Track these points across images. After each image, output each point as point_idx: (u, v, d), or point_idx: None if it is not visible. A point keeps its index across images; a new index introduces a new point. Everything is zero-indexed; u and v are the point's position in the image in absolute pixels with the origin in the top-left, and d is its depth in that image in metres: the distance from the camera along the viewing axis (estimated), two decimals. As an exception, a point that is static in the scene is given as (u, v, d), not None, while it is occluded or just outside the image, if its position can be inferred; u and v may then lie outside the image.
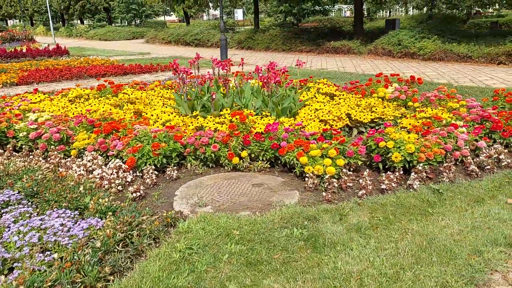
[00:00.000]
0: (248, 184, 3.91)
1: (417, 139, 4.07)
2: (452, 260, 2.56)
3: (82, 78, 11.09)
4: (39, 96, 6.11)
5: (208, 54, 18.38)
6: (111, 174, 3.95)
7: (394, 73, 7.20)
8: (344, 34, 18.68)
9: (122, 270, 2.55)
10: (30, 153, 4.63)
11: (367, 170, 3.93)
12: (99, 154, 4.46)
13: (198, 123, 4.86)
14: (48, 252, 2.61)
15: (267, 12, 40.26)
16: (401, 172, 3.86)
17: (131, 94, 5.90)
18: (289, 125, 4.83)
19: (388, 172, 3.87)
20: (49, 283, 2.29)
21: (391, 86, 6.34)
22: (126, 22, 42.46)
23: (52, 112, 5.47)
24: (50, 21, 29.26)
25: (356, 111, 5.36)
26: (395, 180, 3.75)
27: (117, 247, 2.69)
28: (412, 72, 11.07)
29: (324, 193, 3.57)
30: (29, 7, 44.68)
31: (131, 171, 4.08)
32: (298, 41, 18.73)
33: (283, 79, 7.01)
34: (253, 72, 6.06)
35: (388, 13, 41.94)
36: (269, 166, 4.33)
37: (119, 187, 3.80)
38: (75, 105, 5.66)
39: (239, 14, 50.56)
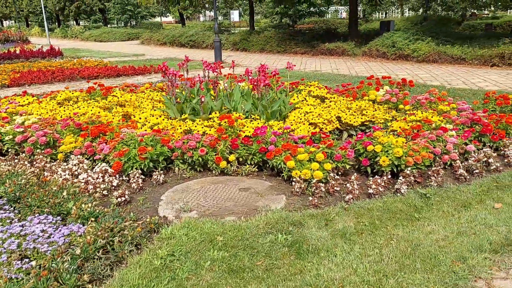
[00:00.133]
0: (235, 189, 3.87)
1: (405, 143, 4.05)
2: (436, 267, 2.54)
3: (75, 80, 11.02)
4: (27, 99, 6.06)
5: (202, 56, 18.35)
6: (97, 178, 3.91)
7: (387, 76, 7.20)
8: (339, 35, 18.69)
9: (102, 278, 2.51)
10: (16, 157, 4.58)
11: (355, 174, 3.91)
12: (86, 158, 4.42)
13: (186, 126, 4.82)
14: (27, 260, 2.57)
15: (263, 14, 40.26)
16: (389, 176, 3.83)
17: (121, 96, 5.86)
18: (278, 129, 4.80)
19: (376, 176, 3.85)
20: (25, 292, 2.25)
21: (382, 88, 6.32)
22: (123, 23, 42.34)
23: (40, 115, 5.42)
24: (45, 22, 29.12)
25: (346, 114, 5.33)
26: (382, 184, 3.73)
27: (97, 254, 2.65)
28: (405, 74, 11.07)
29: (310, 198, 3.54)
30: (24, 8, 44.49)
31: (117, 175, 4.04)
32: (293, 42, 18.72)
33: (275, 81, 6.98)
34: (243, 74, 6.03)
35: (384, 15, 42.01)
36: (257, 170, 4.30)
37: (104, 192, 3.75)
38: (64, 107, 5.61)
39: (235, 15, 50.49)
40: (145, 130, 4.65)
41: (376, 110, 5.56)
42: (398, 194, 3.61)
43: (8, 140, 4.67)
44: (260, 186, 3.95)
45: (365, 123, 5.36)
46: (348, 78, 10.56)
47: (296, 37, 19.43)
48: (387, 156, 3.85)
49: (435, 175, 3.84)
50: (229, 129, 4.60)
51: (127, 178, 4.05)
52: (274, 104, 5.33)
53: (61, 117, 5.26)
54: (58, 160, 4.38)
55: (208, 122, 4.90)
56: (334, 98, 6.12)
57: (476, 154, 4.32)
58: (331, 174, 3.81)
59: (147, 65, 12.95)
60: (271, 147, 4.19)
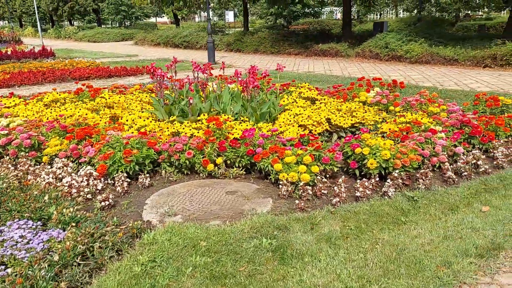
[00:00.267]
0: (221, 192, 3.82)
1: (393, 145, 4.01)
2: (420, 272, 2.50)
3: (66, 81, 10.93)
4: (13, 100, 5.97)
5: (196, 56, 18.30)
6: (81, 182, 3.85)
7: (380, 77, 7.18)
8: (333, 36, 18.69)
9: (80, 285, 2.45)
10: (0, 160, 4.50)
11: (343, 176, 3.87)
12: (72, 161, 4.36)
13: (174, 128, 4.77)
14: (3, 267, 2.50)
15: (258, 15, 40.20)
16: (377, 179, 3.80)
17: (109, 98, 5.79)
18: (267, 131, 4.75)
19: (364, 179, 3.81)
20: (-1, 301, 2.19)
21: (373, 90, 6.30)
22: (117, 24, 42.14)
23: (26, 117, 5.35)
24: (38, 23, 28.91)
25: (336, 115, 5.30)
26: (370, 187, 3.69)
27: (76, 261, 2.59)
28: (398, 75, 11.07)
29: (297, 201, 3.50)
30: (17, 8, 44.18)
31: (102, 179, 3.98)
32: (286, 43, 18.70)
33: (265, 83, 6.94)
34: (233, 75, 5.98)
35: (378, 16, 42.10)
36: (244, 173, 4.25)
37: (89, 196, 3.69)
38: (51, 109, 5.54)
39: (230, 16, 50.45)
40: (132, 133, 4.59)
41: (366, 112, 5.53)
42: (386, 197, 3.58)
43: (-8, 142, 4.58)
44: (248, 189, 3.90)
45: (355, 125, 5.33)
46: (341, 79, 10.54)
47: (290, 38, 19.41)
48: (374, 159, 3.82)
49: (423, 177, 3.81)
50: (217, 131, 4.55)
51: (113, 182, 3.99)
52: (263, 106, 5.29)
53: (47, 119, 5.19)
54: (42, 163, 4.31)
55: (196, 124, 4.85)
56: (324, 99, 6.08)
57: (465, 156, 4.30)
58: (318, 177, 3.77)
59: (140, 66, 12.87)
60: (258, 149, 4.15)
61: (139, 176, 4.00)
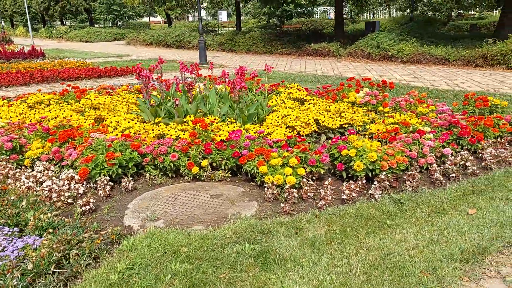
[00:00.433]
0: (206, 195, 3.75)
1: (380, 147, 3.96)
2: (404, 278, 2.45)
3: (54, 81, 10.79)
4: (-4, 102, 5.86)
5: (188, 56, 18.20)
6: (63, 185, 3.76)
7: (371, 77, 7.14)
8: (325, 36, 18.66)
9: (54, 294, 2.37)
10: (-19, 163, 4.39)
11: (330, 179, 3.81)
12: (54, 164, 4.26)
13: (159, 130, 4.69)
14: (-26, 276, 2.41)
15: (252, 14, 40.11)
16: (364, 181, 3.74)
17: (94, 99, 5.69)
18: (255, 132, 4.69)
19: (351, 181, 3.76)
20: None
21: (362, 90, 6.25)
22: (110, 23, 41.85)
23: (9, 118, 5.24)
24: (29, 22, 28.63)
25: (324, 116, 5.24)
26: (357, 189, 3.64)
27: (51, 269, 2.51)
28: (389, 75, 11.05)
29: (282, 204, 3.43)
30: (8, 8, 43.77)
31: (84, 183, 3.89)
32: (279, 43, 18.64)
33: (255, 83, 6.88)
34: (221, 76, 5.91)
35: (372, 15, 42.16)
36: (230, 175, 4.19)
37: (69, 200, 3.60)
38: (34, 111, 5.43)
39: (223, 15, 50.30)
40: (116, 135, 4.50)
41: (355, 113, 5.48)
42: (372, 200, 3.52)
43: (-28, 145, 4.47)
44: (233, 192, 3.83)
45: (344, 125, 5.28)
46: (332, 79, 10.50)
47: (282, 37, 19.36)
48: (361, 161, 3.77)
49: (411, 179, 3.76)
50: (203, 133, 4.47)
51: (95, 185, 3.90)
52: (251, 107, 5.22)
53: (30, 121, 5.08)
54: (23, 167, 4.22)
55: (182, 126, 4.77)
56: (313, 100, 6.03)
57: (453, 157, 4.26)
58: (304, 180, 3.71)
59: (130, 66, 12.74)
60: (244, 151, 4.08)
61: (122, 180, 3.92)
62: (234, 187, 3.96)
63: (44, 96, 6.01)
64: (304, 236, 2.97)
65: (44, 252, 2.55)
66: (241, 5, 26.69)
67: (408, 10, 30.31)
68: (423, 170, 4.13)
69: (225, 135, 4.51)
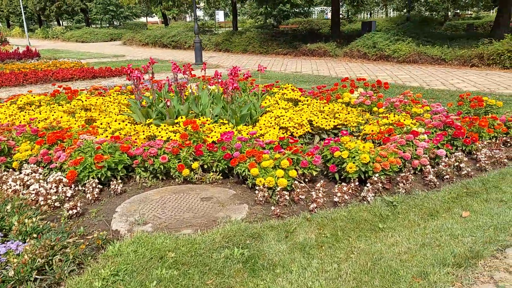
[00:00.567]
0: (196, 198, 3.69)
1: (373, 148, 3.91)
2: (395, 283, 2.39)
3: (48, 82, 10.70)
4: (-13, 103, 5.78)
5: (184, 57, 18.12)
6: (50, 188, 3.69)
7: (367, 77, 7.09)
8: (322, 36, 18.60)
9: (35, 302, 2.30)
10: (-32, 166, 4.32)
11: (322, 181, 3.75)
12: (43, 167, 4.19)
13: (150, 132, 4.62)
14: (-47, 284, 2.35)
15: (249, 14, 40.04)
16: (357, 183, 3.69)
17: (86, 100, 5.62)
18: (247, 134, 4.62)
19: (343, 183, 3.70)
20: None
21: (357, 91, 6.20)
22: (108, 23, 41.71)
23: (-2, 120, 5.17)
24: (24, 23, 28.50)
25: (318, 117, 5.19)
26: (349, 192, 3.58)
27: (33, 276, 2.44)
28: (385, 75, 11.01)
29: (273, 207, 3.37)
30: (4, 8, 43.57)
31: (72, 186, 3.82)
32: (275, 43, 18.59)
33: (249, 84, 6.82)
34: (213, 76, 5.84)
35: (369, 15, 42.14)
36: (222, 177, 4.12)
37: (57, 204, 3.53)
38: (24, 112, 5.36)
39: (220, 15, 50.26)
40: (106, 136, 4.43)
41: (349, 113, 5.43)
42: (365, 202, 3.47)
43: (-41, 148, 4.40)
44: (224, 195, 3.77)
45: (338, 126, 5.22)
46: (328, 79, 10.45)
47: (279, 38, 19.30)
48: (354, 163, 3.71)
49: (404, 181, 3.71)
50: (194, 134, 4.41)
51: (84, 188, 3.83)
52: (243, 108, 5.16)
53: (20, 122, 5.01)
54: (11, 170, 4.14)
55: (173, 127, 4.71)
56: (307, 101, 5.97)
57: (448, 158, 4.21)
58: (296, 182, 3.65)
59: (125, 67, 12.66)
60: (236, 153, 4.02)
61: (111, 183, 3.85)
62: (225, 189, 3.90)
63: (34, 97, 5.94)
64: (294, 240, 2.92)
65: (27, 258, 2.48)
66: (237, 5, 26.65)
67: (405, 10, 30.32)
68: (416, 172, 4.07)
69: (217, 137, 4.45)
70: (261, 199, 3.55)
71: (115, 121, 4.83)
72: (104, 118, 4.94)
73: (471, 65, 12.21)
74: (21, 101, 5.73)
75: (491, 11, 28.58)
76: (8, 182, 3.79)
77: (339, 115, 5.28)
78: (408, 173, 3.78)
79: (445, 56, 12.84)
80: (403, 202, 3.43)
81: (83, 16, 41.66)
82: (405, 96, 6.03)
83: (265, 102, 5.70)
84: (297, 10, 30.09)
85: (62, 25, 43.03)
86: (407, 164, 3.99)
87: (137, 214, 3.38)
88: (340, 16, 22.38)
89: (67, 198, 3.66)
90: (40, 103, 5.90)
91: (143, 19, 52.51)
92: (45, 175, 4.07)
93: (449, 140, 4.61)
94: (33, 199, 3.51)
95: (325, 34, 19.11)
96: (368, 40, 15.03)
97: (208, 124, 4.74)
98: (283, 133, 4.76)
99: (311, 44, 17.03)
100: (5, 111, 5.37)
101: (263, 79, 9.95)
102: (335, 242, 2.87)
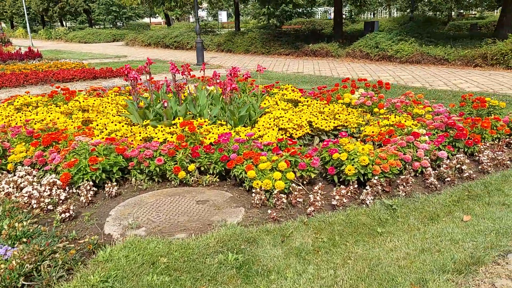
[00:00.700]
0: (192, 201, 3.62)
1: (373, 150, 3.83)
2: (393, 291, 2.31)
3: (49, 82, 10.67)
4: (-16, 105, 5.74)
5: (186, 57, 18.09)
6: (44, 191, 3.63)
7: (368, 77, 7.01)
8: (324, 36, 18.51)
9: (21, 309, 2.24)
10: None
11: (321, 183, 3.67)
12: (38, 169, 4.13)
13: (147, 133, 4.56)
14: None
15: (252, 15, 39.97)
16: (356, 186, 3.61)
17: (83, 101, 5.56)
18: (245, 135, 4.55)
19: (342, 185, 3.62)
20: None
21: (358, 91, 6.12)
22: (111, 24, 41.77)
23: (-6, 121, 5.11)
24: (27, 23, 28.55)
25: (318, 118, 5.11)
26: (348, 194, 3.50)
27: (21, 282, 2.38)
28: (387, 76, 10.91)
29: (270, 211, 3.30)
30: (7, 9, 43.73)
31: (66, 188, 3.76)
32: (277, 44, 18.51)
33: (248, 84, 6.75)
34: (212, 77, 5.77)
35: (372, 15, 41.96)
36: (219, 180, 4.05)
37: (50, 207, 3.47)
38: (21, 113, 5.31)
39: (223, 16, 50.24)
40: (102, 138, 4.37)
41: (349, 114, 5.35)
42: (364, 206, 3.39)
43: (-46, 150, 4.35)
44: (220, 198, 3.70)
45: (338, 127, 5.14)
46: (329, 80, 10.36)
47: (281, 38, 19.22)
48: (352, 165, 3.63)
49: (404, 184, 3.63)
50: (191, 136, 4.34)
51: (78, 191, 3.77)
52: (242, 109, 5.09)
53: (16, 123, 4.96)
54: (5, 172, 4.09)
55: (170, 128, 4.64)
56: (307, 101, 5.90)
57: (449, 160, 4.12)
58: (294, 184, 3.58)
59: (126, 67, 12.62)
60: (233, 155, 3.95)
61: (106, 185, 3.79)
62: (222, 192, 3.83)
63: (31, 98, 5.89)
64: (290, 244, 2.84)
65: (14, 264, 2.42)
66: (240, 5, 26.58)
67: (408, 10, 30.15)
68: (417, 174, 3.99)
69: (214, 138, 4.38)
70: (258, 202, 3.48)
71: (112, 122, 4.77)
72: (101, 119, 4.88)
73: (475, 65, 12.09)
74: (18, 102, 5.68)
75: (495, 11, 28.37)
76: (1, 184, 3.74)
77: (339, 116, 5.20)
78: (409, 176, 3.69)
79: (448, 56, 12.73)
80: (403, 206, 3.35)
81: (86, 17, 41.75)
82: (407, 97, 5.94)
83: (265, 103, 5.63)
84: (300, 11, 29.99)
85: (65, 26, 43.10)
86: (407, 166, 3.90)
87: (131, 218, 3.32)
88: (343, 16, 22.29)
89: (61, 201, 3.59)
90: (37, 104, 5.85)
91: (146, 20, 52.56)
92: (40, 177, 4.01)
93: (451, 142, 4.52)
94: (25, 202, 3.45)
95: (327, 35, 19.02)
96: (370, 40, 14.93)
97: (206, 126, 4.67)
98: (282, 135, 4.69)
99: (313, 45, 16.95)
100: (1, 112, 5.32)
101: (263, 80, 9.88)
102: (332, 247, 2.80)
